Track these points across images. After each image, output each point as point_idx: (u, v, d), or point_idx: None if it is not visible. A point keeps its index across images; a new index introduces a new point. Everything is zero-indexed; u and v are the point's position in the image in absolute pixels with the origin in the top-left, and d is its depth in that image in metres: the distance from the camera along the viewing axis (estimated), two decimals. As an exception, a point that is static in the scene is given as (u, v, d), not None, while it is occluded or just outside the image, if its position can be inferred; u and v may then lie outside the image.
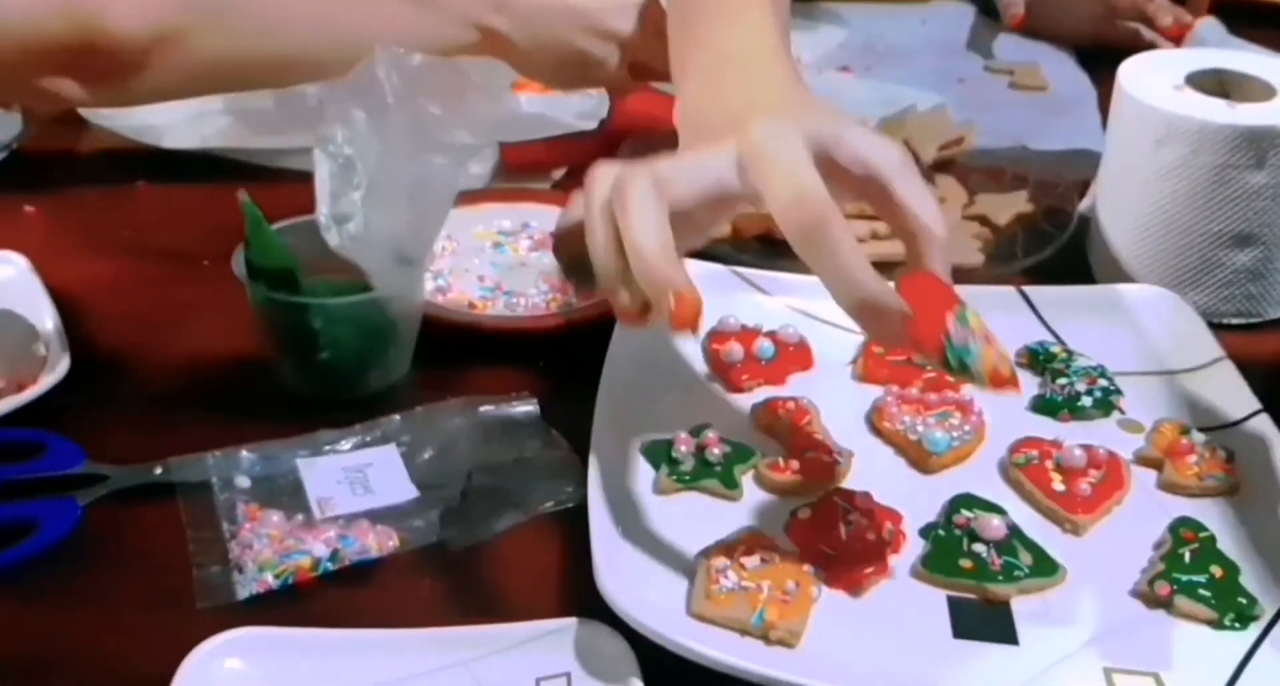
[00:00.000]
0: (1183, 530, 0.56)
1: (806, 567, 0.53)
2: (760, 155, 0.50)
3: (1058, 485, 0.59)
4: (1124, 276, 0.76)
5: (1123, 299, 0.72)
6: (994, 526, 0.55)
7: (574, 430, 0.61)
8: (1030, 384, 0.68)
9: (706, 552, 0.54)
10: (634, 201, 0.50)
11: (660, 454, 0.60)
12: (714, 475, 0.59)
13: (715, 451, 0.59)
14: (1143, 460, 0.62)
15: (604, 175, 0.52)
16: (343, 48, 0.67)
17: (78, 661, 0.52)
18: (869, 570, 0.54)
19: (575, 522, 0.56)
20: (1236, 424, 0.63)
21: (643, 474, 0.60)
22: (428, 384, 0.67)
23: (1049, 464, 0.60)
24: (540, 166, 0.90)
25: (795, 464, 0.59)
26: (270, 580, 0.53)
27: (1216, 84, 0.76)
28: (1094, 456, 0.60)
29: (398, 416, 0.63)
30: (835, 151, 0.52)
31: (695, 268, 0.74)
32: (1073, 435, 0.62)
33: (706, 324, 0.71)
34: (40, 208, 0.86)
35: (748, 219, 0.79)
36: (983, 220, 0.83)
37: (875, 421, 0.64)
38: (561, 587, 0.55)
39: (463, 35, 0.79)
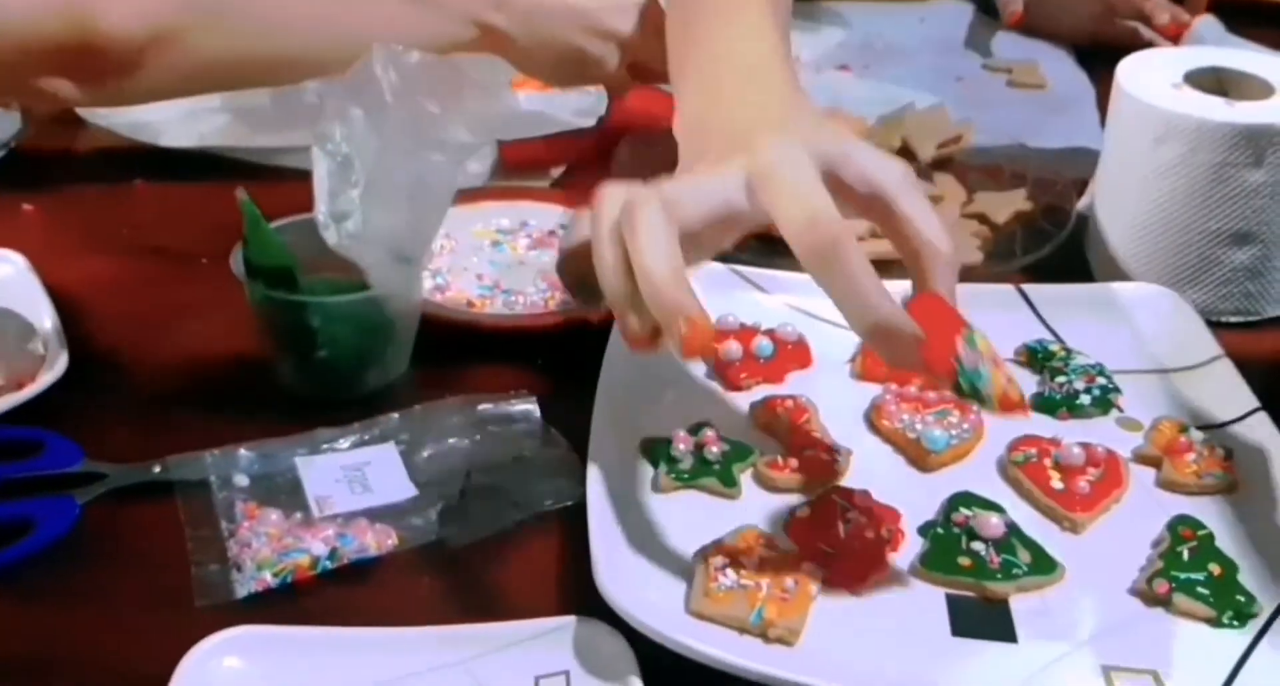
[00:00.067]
0: (1181, 528, 0.56)
1: (805, 566, 0.53)
2: (770, 177, 0.50)
3: (1056, 483, 0.59)
4: (1122, 275, 0.76)
5: (1121, 297, 0.72)
6: (992, 524, 0.55)
7: (573, 429, 0.61)
8: (1029, 382, 0.68)
9: (705, 551, 0.54)
10: (644, 225, 0.49)
11: (659, 452, 0.60)
12: (712, 473, 0.59)
13: (714, 450, 0.59)
14: (1141, 458, 0.62)
15: (611, 196, 0.51)
16: (342, 47, 0.66)
17: (77, 660, 0.52)
18: (868, 568, 0.54)
19: (574, 521, 0.56)
20: (1235, 422, 0.63)
21: (641, 472, 0.60)
22: (426, 382, 0.67)
23: (1047, 462, 0.60)
24: (539, 164, 0.90)
25: (794, 462, 0.59)
26: (269, 578, 0.53)
27: (1215, 82, 0.76)
28: (1092, 454, 0.60)
29: (396, 415, 0.63)
30: (842, 170, 0.52)
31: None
32: (1071, 433, 0.62)
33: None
34: (38, 206, 0.86)
35: None
36: (981, 218, 0.83)
37: (874, 419, 0.64)
38: (560, 586, 0.55)
39: (462, 32, 0.79)
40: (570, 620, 0.51)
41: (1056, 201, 0.84)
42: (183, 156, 0.89)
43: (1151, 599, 0.53)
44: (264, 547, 0.54)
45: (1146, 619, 0.53)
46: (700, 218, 0.51)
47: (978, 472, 0.61)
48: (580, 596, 0.52)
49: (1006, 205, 0.84)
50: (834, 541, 0.55)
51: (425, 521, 0.57)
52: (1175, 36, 1.14)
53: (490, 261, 0.78)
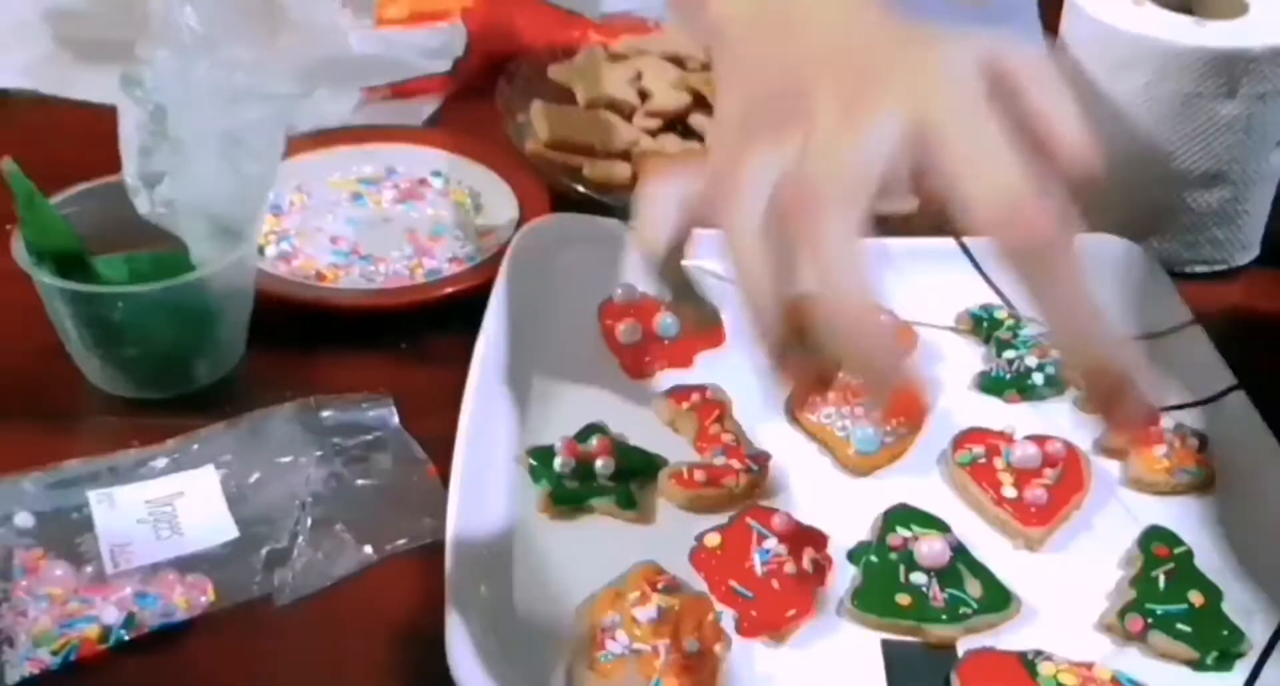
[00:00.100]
0: (1155, 545, 0.48)
1: (714, 611, 0.44)
2: (944, 135, 0.36)
3: (1008, 490, 0.51)
4: (1076, 222, 0.67)
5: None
6: (936, 551, 0.47)
7: (439, 438, 0.51)
8: (973, 357, 0.59)
9: (590, 603, 0.44)
10: (837, 241, 0.36)
11: (542, 467, 0.50)
12: (606, 493, 0.49)
13: (602, 463, 0.49)
14: (1105, 450, 0.54)
15: (751, 181, 0.37)
16: None
17: None
18: (790, 612, 0.45)
19: (437, 562, 0.45)
20: (1208, 401, 0.55)
21: (524, 493, 0.50)
22: (264, 377, 0.57)
23: (998, 462, 0.52)
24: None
25: (700, 475, 0.50)
26: (46, 657, 0.43)
27: (1181, -1, 0.67)
28: (1049, 453, 0.52)
29: (222, 426, 0.52)
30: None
31: (579, 226, 0.63)
32: (1023, 418, 0.55)
33: (598, 294, 0.60)
34: None
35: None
36: (914, 155, 0.73)
37: (794, 412, 0.54)
38: (415, 649, 0.45)
39: None
40: (426, 698, 0.41)
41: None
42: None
43: (1124, 636, 0.46)
44: (43, 615, 0.44)
45: (1118, 660, 0.45)
46: (870, 200, 0.36)
47: (917, 476, 0.53)
48: (440, 660, 0.41)
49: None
50: (749, 579, 0.46)
51: (248, 570, 0.46)
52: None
53: (348, 218, 0.67)
